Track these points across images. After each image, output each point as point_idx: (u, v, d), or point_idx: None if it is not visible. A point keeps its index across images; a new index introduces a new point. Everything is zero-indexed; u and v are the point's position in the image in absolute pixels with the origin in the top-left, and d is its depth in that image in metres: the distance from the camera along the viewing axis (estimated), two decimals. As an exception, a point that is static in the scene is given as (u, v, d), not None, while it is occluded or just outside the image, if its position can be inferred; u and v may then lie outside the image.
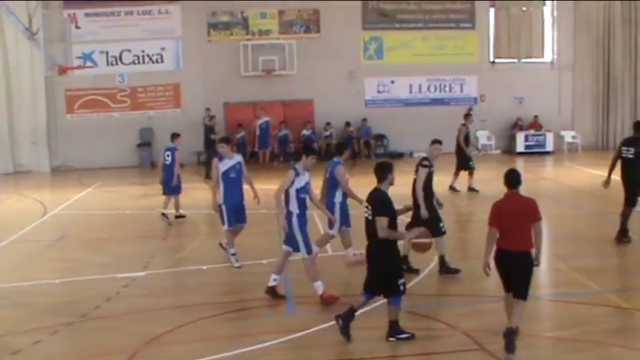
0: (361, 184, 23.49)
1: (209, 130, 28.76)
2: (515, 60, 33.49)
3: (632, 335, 9.49)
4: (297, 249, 11.10)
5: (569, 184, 22.91)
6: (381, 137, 32.34)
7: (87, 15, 30.64)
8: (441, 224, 12.46)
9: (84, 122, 30.99)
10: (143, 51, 31.22)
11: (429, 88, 33.03)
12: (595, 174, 25.20)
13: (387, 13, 32.48)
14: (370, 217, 9.36)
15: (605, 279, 12.10)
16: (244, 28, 31.72)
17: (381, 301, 10.81)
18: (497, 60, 33.45)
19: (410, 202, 11.63)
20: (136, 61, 31.24)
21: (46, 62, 22.33)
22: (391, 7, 32.44)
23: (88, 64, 29.67)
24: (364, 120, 31.78)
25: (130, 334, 9.97)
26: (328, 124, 31.47)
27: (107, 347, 9.50)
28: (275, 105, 30.98)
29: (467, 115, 22.61)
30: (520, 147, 31.95)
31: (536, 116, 32.67)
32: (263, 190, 19.49)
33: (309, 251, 11.07)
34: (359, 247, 13.55)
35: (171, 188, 18.36)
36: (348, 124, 31.42)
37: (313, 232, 14.14)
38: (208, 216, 18.66)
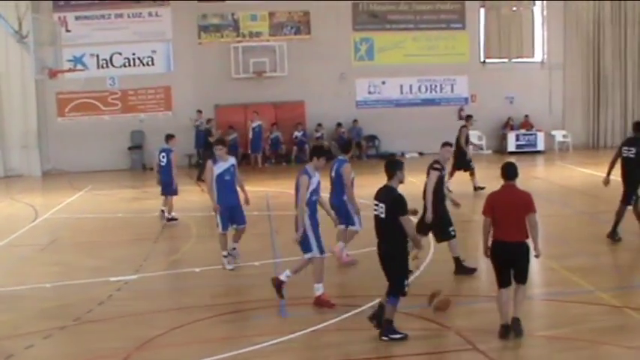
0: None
1: (207, 132, 28.75)
2: (506, 60, 33.56)
3: (624, 333, 9.51)
4: (309, 249, 11.00)
5: (560, 183, 22.98)
6: (372, 138, 32.36)
7: (77, 18, 30.58)
8: (451, 228, 12.42)
9: (75, 125, 30.91)
10: (134, 54, 31.16)
11: (419, 88, 33.07)
12: (586, 173, 25.32)
13: (378, 14, 32.51)
14: (383, 215, 9.33)
15: (597, 278, 12.12)
16: (235, 30, 31.70)
17: (370, 304, 10.86)
18: (487, 60, 33.51)
19: (414, 204, 11.60)
20: (127, 64, 31.19)
21: (37, 66, 22.24)
22: (381, 7, 32.47)
23: (79, 67, 29.54)
24: (355, 121, 31.79)
25: (123, 337, 9.95)
26: (319, 125, 31.49)
27: (100, 351, 9.48)
28: (266, 107, 30.97)
29: (468, 117, 22.70)
30: (511, 146, 32.02)
31: (526, 116, 32.76)
32: (255, 192, 19.54)
33: (321, 251, 11.03)
34: (355, 247, 13.60)
35: (171, 190, 18.38)
36: (339, 125, 31.46)
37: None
38: (200, 218, 18.67)
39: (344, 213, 13.02)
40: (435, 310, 10.19)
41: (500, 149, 32.46)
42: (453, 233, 12.42)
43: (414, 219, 11.68)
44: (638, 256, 14.17)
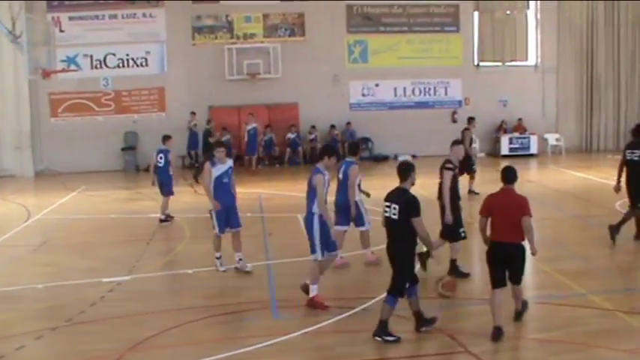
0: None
1: (207, 133, 28.66)
2: (500, 63, 33.62)
3: (616, 336, 9.53)
4: (313, 251, 11.03)
5: (553, 187, 23.02)
6: (365, 140, 32.33)
7: (71, 18, 30.52)
8: (462, 229, 12.43)
9: (68, 126, 30.84)
10: (127, 55, 31.12)
11: (413, 91, 33.10)
12: (579, 176, 25.39)
13: (372, 17, 32.55)
14: (395, 217, 9.37)
15: (590, 281, 12.16)
16: (229, 31, 31.69)
17: (362, 306, 10.88)
18: (481, 63, 33.56)
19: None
20: (121, 65, 31.14)
21: (30, 66, 22.22)
22: (376, 10, 32.50)
23: (72, 67, 29.48)
24: (348, 123, 31.80)
25: (116, 338, 9.93)
26: (313, 127, 31.51)
27: (92, 352, 9.46)
28: (260, 108, 30.95)
29: (470, 119, 22.67)
30: (504, 150, 32.06)
31: (520, 119, 32.82)
32: (248, 194, 19.55)
33: (322, 254, 11.05)
34: (348, 250, 13.61)
35: (170, 190, 18.55)
36: (332, 126, 31.48)
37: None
38: (194, 220, 18.65)
39: (354, 214, 13.04)
40: (442, 292, 10.19)
41: (494, 152, 32.50)
42: (463, 235, 12.40)
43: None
44: (630, 259, 14.20)
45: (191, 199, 21.25)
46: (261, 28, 31.86)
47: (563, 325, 9.99)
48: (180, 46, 31.24)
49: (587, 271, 13.00)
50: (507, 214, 9.47)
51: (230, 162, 13.54)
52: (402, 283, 9.46)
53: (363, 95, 32.81)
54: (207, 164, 13.39)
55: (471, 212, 15.04)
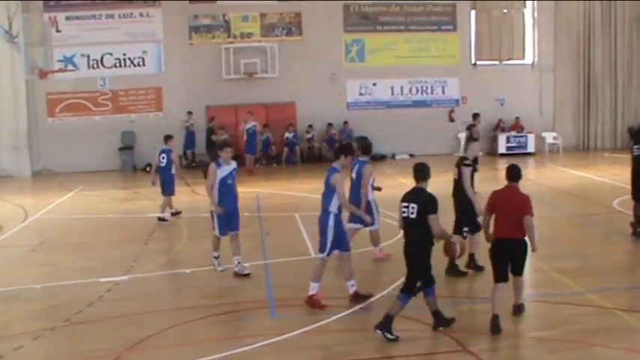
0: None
1: (210, 131, 28.63)
2: (497, 62, 33.63)
3: (613, 334, 9.55)
4: (322, 249, 11.02)
5: (550, 185, 23.03)
6: (363, 139, 32.24)
7: (68, 18, 30.47)
8: (466, 228, 12.42)
9: (65, 126, 30.81)
10: (124, 54, 31.08)
11: (410, 90, 33.09)
12: (576, 175, 25.42)
13: (369, 16, 32.53)
14: (414, 216, 9.45)
15: (587, 279, 12.18)
16: (226, 31, 31.66)
17: (360, 305, 10.88)
18: (478, 62, 33.55)
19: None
20: (118, 65, 31.10)
21: (27, 66, 22.20)
22: (373, 9, 32.49)
23: (69, 67, 29.45)
24: (346, 123, 31.79)
25: (114, 338, 9.93)
26: (310, 126, 31.50)
27: (90, 352, 9.45)
28: (257, 108, 30.87)
29: (475, 115, 22.68)
30: (502, 148, 32.07)
31: (517, 118, 32.83)
32: (246, 193, 19.52)
33: (328, 254, 11.05)
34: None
35: (172, 190, 18.69)
36: (330, 125, 31.49)
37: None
38: (191, 219, 18.66)
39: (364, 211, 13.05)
40: (447, 251, 10.19)
41: (491, 151, 32.48)
42: (464, 235, 12.41)
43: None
44: (628, 257, 14.22)
45: (189, 199, 21.23)
46: (258, 27, 31.84)
47: (560, 324, 10.00)
48: (177, 46, 31.21)
49: (585, 269, 13.02)
50: (510, 211, 9.74)
51: (234, 163, 13.31)
52: (414, 282, 9.53)
53: (361, 94, 32.80)
54: (213, 165, 13.07)
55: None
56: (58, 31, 29.85)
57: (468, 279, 12.41)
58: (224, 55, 30.67)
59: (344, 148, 11.54)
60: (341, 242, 11.08)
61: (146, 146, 30.40)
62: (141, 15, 31.08)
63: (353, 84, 32.61)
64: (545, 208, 18.82)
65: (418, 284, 9.55)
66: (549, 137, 33.18)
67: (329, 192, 11.01)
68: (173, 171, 18.71)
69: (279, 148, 31.33)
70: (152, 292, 12.48)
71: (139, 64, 31.24)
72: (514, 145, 32.24)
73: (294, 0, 31.61)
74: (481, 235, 10.82)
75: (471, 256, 12.59)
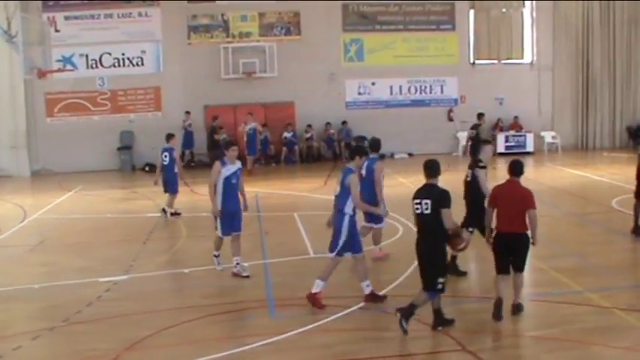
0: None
1: (213, 130, 28.59)
2: (495, 61, 33.64)
3: (612, 334, 9.55)
4: (333, 248, 11.01)
5: (549, 184, 23.03)
6: (362, 139, 32.26)
7: (66, 18, 30.47)
8: (471, 229, 12.42)
9: (64, 126, 30.81)
10: (123, 54, 31.08)
11: (409, 89, 33.11)
12: (575, 174, 25.43)
13: (368, 15, 32.54)
14: (428, 211, 9.48)
15: (586, 278, 12.18)
16: (225, 30, 31.67)
17: (359, 305, 10.88)
18: (477, 61, 33.57)
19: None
20: (116, 64, 31.10)
21: (26, 65, 22.23)
22: (371, 9, 32.50)
23: (68, 67, 29.48)
24: (344, 122, 31.81)
25: (113, 338, 9.93)
26: (309, 126, 31.51)
27: (89, 352, 9.45)
28: (256, 107, 30.87)
29: (480, 115, 22.72)
30: (500, 148, 32.01)
31: (516, 117, 32.85)
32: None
33: (340, 255, 11.05)
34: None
35: (175, 188, 18.96)
36: (328, 124, 31.51)
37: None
38: (190, 219, 18.66)
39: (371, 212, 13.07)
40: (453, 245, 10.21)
41: (490, 150, 32.43)
42: (470, 231, 12.37)
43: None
44: (627, 256, 14.22)
45: (188, 199, 21.21)
46: (257, 26, 31.85)
47: (559, 323, 10.00)
48: (175, 46, 31.21)
49: (584, 268, 13.02)
50: (512, 206, 9.98)
51: (239, 163, 13.17)
52: (435, 280, 9.57)
53: (359, 94, 32.81)
54: (218, 163, 12.92)
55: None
56: (56, 30, 29.88)
57: (467, 279, 12.41)
58: (223, 55, 30.69)
59: (359, 149, 11.61)
60: (353, 244, 11.05)
61: (145, 146, 30.46)
62: (139, 15, 31.08)
63: (352, 83, 32.62)
64: (544, 207, 18.79)
65: (442, 279, 9.58)
66: (548, 136, 33.20)
67: (344, 193, 10.98)
68: (176, 169, 18.94)
69: (277, 147, 31.35)
70: (151, 291, 12.48)
71: (137, 64, 31.24)
72: (513, 144, 32.23)
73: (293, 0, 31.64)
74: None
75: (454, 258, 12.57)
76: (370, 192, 13.00)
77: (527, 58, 33.91)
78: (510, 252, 10.09)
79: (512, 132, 32.54)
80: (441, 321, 9.79)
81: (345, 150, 31.80)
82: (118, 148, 31.00)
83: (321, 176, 26.09)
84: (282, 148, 31.27)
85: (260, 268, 13.44)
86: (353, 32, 32.52)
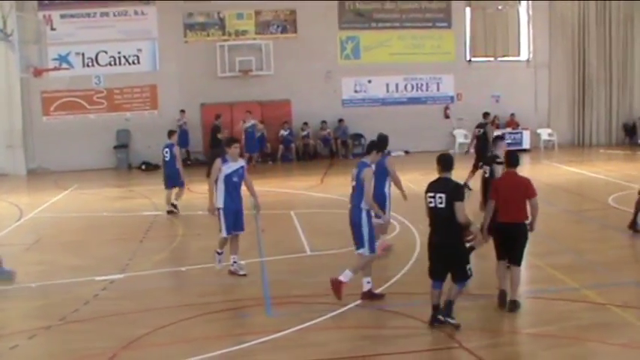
0: (338, 183, 23.52)
1: (215, 129, 28.62)
2: (492, 58, 33.64)
3: (608, 330, 9.56)
4: (361, 245, 11.01)
5: (545, 182, 23.01)
6: (358, 137, 32.33)
7: (62, 16, 30.42)
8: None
9: (60, 124, 30.77)
10: (119, 52, 31.04)
11: (405, 87, 33.12)
12: (571, 171, 25.46)
13: (364, 13, 32.53)
14: (442, 205, 9.56)
15: (582, 275, 12.20)
16: (221, 28, 31.64)
17: (356, 303, 10.87)
18: (473, 59, 33.57)
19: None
20: (112, 63, 31.06)
21: (21, 64, 22.18)
22: (367, 6, 32.48)
23: (64, 65, 29.45)
24: (341, 120, 31.80)
25: (109, 336, 9.91)
26: (305, 123, 31.50)
27: (86, 350, 9.44)
28: (252, 105, 30.86)
29: (486, 114, 22.79)
30: (497, 145, 32.05)
31: (512, 114, 32.86)
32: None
33: (372, 249, 11.06)
34: (338, 247, 13.60)
35: (175, 182, 19.24)
36: (324, 122, 31.50)
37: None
38: (186, 217, 18.66)
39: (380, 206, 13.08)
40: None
41: (486, 148, 32.48)
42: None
43: None
44: (623, 253, 14.23)
45: (184, 197, 21.18)
46: (253, 24, 31.83)
47: (556, 320, 10.02)
48: (172, 44, 31.17)
49: (580, 265, 13.05)
50: (513, 195, 10.26)
51: (242, 161, 13.06)
52: (464, 269, 9.70)
53: (356, 91, 32.82)
54: (218, 161, 12.76)
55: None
56: (52, 29, 29.82)
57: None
58: (219, 53, 30.67)
59: (377, 144, 11.64)
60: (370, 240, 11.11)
61: (141, 144, 30.46)
62: (135, 13, 31.04)
63: (348, 81, 32.62)
64: (541, 204, 18.67)
65: (469, 265, 9.71)
66: (544, 134, 33.24)
67: (360, 187, 10.99)
68: (177, 165, 19.18)
69: (274, 145, 31.30)
70: (148, 290, 12.47)
71: (133, 62, 31.21)
72: (509, 141, 31.88)
73: (289, -2, 31.64)
74: None
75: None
76: (380, 187, 13.02)
77: (524, 55, 33.94)
78: (509, 242, 10.32)
79: (508, 129, 32.53)
80: (448, 312, 9.78)
81: (342, 147, 31.88)
82: (115, 147, 30.97)
83: (317, 174, 26.10)
84: (279, 146, 31.25)
85: (257, 266, 13.43)
86: (349, 30, 32.51)
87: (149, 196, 21.62)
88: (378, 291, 11.25)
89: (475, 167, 20.89)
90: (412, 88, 33.13)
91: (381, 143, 11.90)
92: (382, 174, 13.04)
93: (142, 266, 13.95)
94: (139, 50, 31.16)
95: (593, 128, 33.71)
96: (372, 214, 11.16)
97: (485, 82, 32.80)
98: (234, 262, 12.91)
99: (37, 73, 23.32)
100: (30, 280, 12.97)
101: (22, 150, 30.37)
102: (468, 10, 33.35)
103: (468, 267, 9.71)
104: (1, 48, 25.66)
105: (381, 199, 12.71)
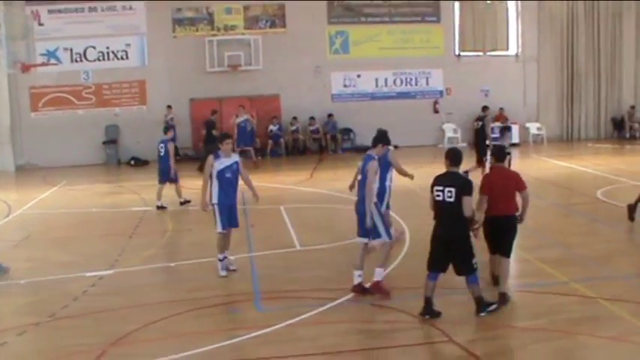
0: (327, 178, 23.53)
1: (211, 124, 28.53)
2: (481, 53, 33.70)
3: (598, 323, 9.60)
4: (377, 236, 11.03)
5: (534, 176, 23.05)
6: (347, 131, 32.35)
7: (50, 12, 30.29)
8: None
9: (49, 120, 30.66)
10: (108, 47, 30.94)
11: (395, 81, 33.14)
12: (560, 165, 25.54)
13: (353, 7, 32.52)
14: (451, 199, 9.62)
15: (572, 269, 12.23)
16: (209, 23, 31.57)
17: (346, 297, 10.88)
18: (462, 53, 33.61)
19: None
20: (101, 58, 30.95)
21: (9, 60, 22.13)
22: (356, 1, 32.47)
23: (52, 61, 29.31)
24: (330, 115, 31.80)
25: (99, 333, 9.89)
26: (295, 118, 31.50)
27: (75, 347, 9.40)
28: (241, 100, 30.76)
29: (485, 108, 22.86)
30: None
31: (501, 108, 32.89)
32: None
33: (389, 236, 11.13)
34: (330, 240, 13.59)
35: (169, 177, 19.45)
36: (312, 119, 31.49)
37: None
38: (176, 213, 18.64)
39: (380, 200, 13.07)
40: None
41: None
42: None
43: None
44: (612, 247, 14.26)
45: (173, 192, 21.13)
46: (242, 19, 31.78)
47: (546, 313, 10.04)
48: (160, 39, 31.09)
49: (569, 258, 13.09)
50: (503, 189, 10.40)
51: (236, 156, 12.95)
52: (471, 262, 9.78)
53: (345, 86, 32.82)
54: (211, 157, 12.69)
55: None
56: (40, 24, 29.66)
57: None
58: (208, 48, 30.61)
59: (383, 138, 11.81)
60: (373, 230, 11.09)
61: (130, 140, 30.42)
62: (124, 8, 30.94)
63: (337, 76, 32.61)
64: (530, 198, 18.88)
65: (474, 260, 9.80)
66: (533, 128, 33.33)
67: (366, 180, 11.05)
68: (170, 161, 19.40)
69: (263, 140, 31.26)
70: (137, 286, 12.43)
71: (122, 58, 31.11)
72: (498, 135, 32.18)
73: (278, -8, 31.59)
74: None
75: None
76: (382, 180, 13.00)
77: (513, 50, 34.00)
78: (499, 235, 10.49)
79: (497, 123, 32.51)
80: (430, 310, 9.82)
81: (332, 142, 31.88)
82: (104, 142, 30.89)
83: (307, 169, 26.09)
84: (268, 141, 31.22)
85: (246, 261, 13.43)
86: (338, 25, 32.50)
87: (138, 192, 21.56)
88: (368, 285, 11.25)
89: (479, 162, 20.91)
90: (401, 82, 33.15)
91: (385, 137, 12.00)
92: (385, 167, 13.08)
93: (132, 262, 13.90)
94: (128, 45, 31.07)
95: (582, 122, 33.85)
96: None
97: (474, 76, 32.84)
98: (225, 258, 12.86)
99: (25, 68, 23.26)
100: (19, 277, 12.92)
101: (10, 146, 30.25)
102: (456, 4, 33.38)
103: (473, 260, 9.78)
104: (-11, 44, 25.55)
105: (382, 192, 12.74)
